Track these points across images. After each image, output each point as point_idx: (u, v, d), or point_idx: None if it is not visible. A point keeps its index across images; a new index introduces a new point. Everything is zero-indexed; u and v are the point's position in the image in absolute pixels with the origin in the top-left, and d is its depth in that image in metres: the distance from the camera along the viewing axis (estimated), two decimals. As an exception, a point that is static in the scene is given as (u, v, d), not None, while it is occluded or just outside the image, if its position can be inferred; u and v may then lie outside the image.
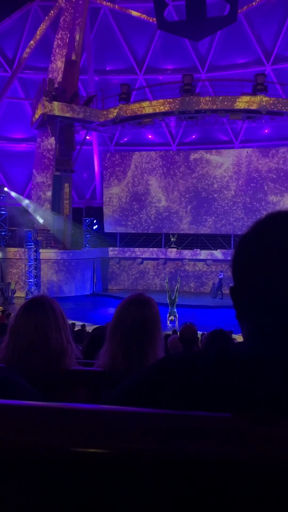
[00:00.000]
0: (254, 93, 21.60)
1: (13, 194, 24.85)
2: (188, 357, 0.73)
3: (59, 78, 23.99)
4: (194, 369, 0.70)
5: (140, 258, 26.57)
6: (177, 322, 17.11)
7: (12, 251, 23.08)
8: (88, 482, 0.60)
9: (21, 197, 25.01)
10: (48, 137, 23.72)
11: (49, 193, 23.73)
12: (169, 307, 17.47)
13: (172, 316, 17.28)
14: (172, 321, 17.15)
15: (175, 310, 17.41)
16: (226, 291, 24.59)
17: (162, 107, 22.01)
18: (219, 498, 0.57)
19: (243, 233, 0.81)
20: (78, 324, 12.86)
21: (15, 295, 21.98)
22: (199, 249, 25.67)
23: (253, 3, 25.88)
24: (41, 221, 23.48)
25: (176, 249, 25.68)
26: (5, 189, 24.90)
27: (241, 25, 25.84)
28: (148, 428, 0.60)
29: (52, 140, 23.50)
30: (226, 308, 17.17)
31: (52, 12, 26.09)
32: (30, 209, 23.85)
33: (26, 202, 24.37)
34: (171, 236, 25.80)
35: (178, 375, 0.70)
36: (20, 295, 21.99)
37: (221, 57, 27.57)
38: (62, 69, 24.28)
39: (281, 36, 26.33)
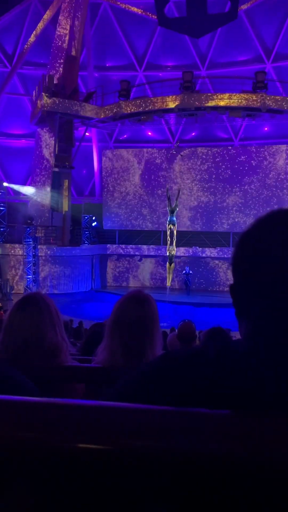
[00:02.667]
0: (254, 90, 21.56)
1: (12, 186, 24.88)
2: (187, 355, 0.73)
3: (59, 74, 23.91)
4: (193, 366, 0.69)
5: (139, 255, 26.56)
6: (175, 232, 17.63)
7: (11, 247, 23.05)
8: (86, 478, 0.60)
9: (21, 187, 24.99)
10: (47, 133, 23.67)
11: (48, 189, 23.70)
12: (169, 216, 17.96)
13: (171, 225, 17.80)
14: (171, 230, 17.73)
15: (174, 219, 17.87)
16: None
17: (162, 104, 21.95)
18: (218, 496, 0.57)
19: (243, 230, 0.80)
20: (76, 320, 12.86)
21: (13, 291, 21.98)
22: (197, 247, 25.68)
23: (254, 0, 25.79)
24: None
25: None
26: (5, 184, 24.86)
27: (242, 23, 25.76)
28: (147, 425, 0.60)
29: (51, 136, 23.44)
30: (225, 306, 17.19)
31: (52, 7, 25.96)
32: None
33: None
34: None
35: (177, 372, 0.70)
36: (18, 292, 21.97)
37: (221, 54, 27.50)
38: (62, 65, 24.18)
39: (282, 34, 26.27)
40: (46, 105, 21.81)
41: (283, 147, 25.45)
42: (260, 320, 0.73)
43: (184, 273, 23.69)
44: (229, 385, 0.65)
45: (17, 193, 26.23)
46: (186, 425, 0.59)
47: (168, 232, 17.64)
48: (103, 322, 3.83)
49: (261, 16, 26.26)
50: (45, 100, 21.80)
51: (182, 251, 25.53)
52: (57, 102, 22.10)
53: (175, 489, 0.58)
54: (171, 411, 0.62)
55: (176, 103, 21.53)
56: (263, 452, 0.56)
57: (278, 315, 0.71)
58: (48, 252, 22.81)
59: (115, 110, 22.68)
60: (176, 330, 4.96)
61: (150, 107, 22.16)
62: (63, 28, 24.55)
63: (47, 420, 0.62)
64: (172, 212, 17.89)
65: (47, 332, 1.87)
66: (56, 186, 23.95)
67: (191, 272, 23.86)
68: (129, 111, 22.53)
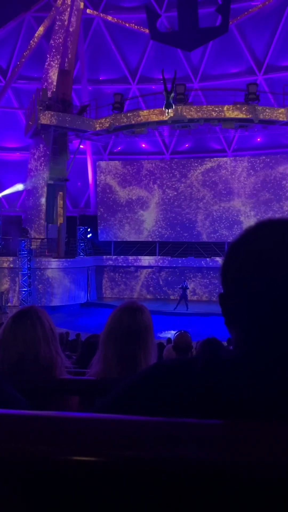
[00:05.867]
0: (246, 102, 21.81)
1: (4, 192, 25.02)
2: (177, 364, 0.73)
3: (53, 88, 24.10)
4: (182, 376, 0.70)
5: (134, 266, 26.56)
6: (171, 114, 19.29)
7: (5, 260, 22.97)
8: (81, 490, 0.60)
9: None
10: (42, 146, 23.77)
11: (43, 202, 23.74)
12: (165, 100, 19.08)
13: (168, 109, 19.02)
14: (169, 115, 19.26)
15: (171, 102, 19.02)
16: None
17: (155, 116, 22.13)
18: (208, 506, 0.57)
19: (233, 240, 0.81)
20: (73, 333, 12.79)
21: (9, 304, 21.85)
22: (193, 257, 25.73)
23: (245, 13, 26.22)
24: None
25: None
26: None
27: (233, 36, 26.16)
28: (138, 435, 0.60)
29: (45, 149, 23.54)
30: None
31: (45, 22, 26.27)
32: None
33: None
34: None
35: (166, 382, 0.70)
36: (13, 305, 21.86)
37: (213, 67, 27.85)
38: (56, 78, 24.39)
39: (272, 46, 26.67)
40: (40, 118, 21.93)
41: (277, 157, 25.69)
42: (250, 328, 0.74)
43: (180, 287, 23.28)
44: (216, 393, 0.65)
45: (12, 205, 26.23)
46: (178, 435, 0.60)
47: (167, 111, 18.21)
48: (99, 334, 3.82)
49: (252, 29, 26.68)
50: (39, 113, 21.94)
51: (180, 261, 25.63)
52: (51, 115, 22.24)
53: (169, 498, 0.58)
54: (162, 422, 0.62)
55: (170, 115, 21.72)
56: (251, 459, 0.56)
57: (269, 323, 0.72)
58: (43, 264, 22.74)
59: (109, 122, 22.84)
60: (172, 341, 4.95)
61: (143, 120, 22.33)
62: (57, 43, 24.81)
63: (42, 432, 0.62)
64: (167, 97, 18.31)
65: (41, 347, 1.86)
66: (51, 199, 23.99)
67: (188, 287, 23.59)
68: (122, 124, 22.70)
